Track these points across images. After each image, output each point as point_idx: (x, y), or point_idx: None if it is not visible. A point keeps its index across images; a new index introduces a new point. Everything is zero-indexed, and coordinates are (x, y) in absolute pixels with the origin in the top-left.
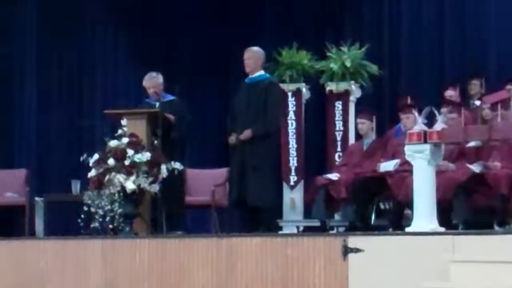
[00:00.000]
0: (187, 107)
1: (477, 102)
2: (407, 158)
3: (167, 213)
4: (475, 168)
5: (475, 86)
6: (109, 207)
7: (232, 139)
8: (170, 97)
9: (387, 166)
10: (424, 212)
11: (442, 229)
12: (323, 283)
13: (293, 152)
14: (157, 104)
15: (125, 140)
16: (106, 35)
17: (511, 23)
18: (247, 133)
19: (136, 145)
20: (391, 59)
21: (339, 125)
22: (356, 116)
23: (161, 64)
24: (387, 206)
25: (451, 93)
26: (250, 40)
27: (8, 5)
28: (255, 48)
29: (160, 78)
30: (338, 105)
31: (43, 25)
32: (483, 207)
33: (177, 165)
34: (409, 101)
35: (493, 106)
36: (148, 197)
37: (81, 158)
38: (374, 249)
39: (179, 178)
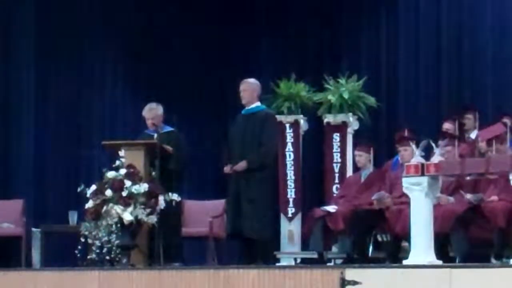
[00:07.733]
0: (185, 138)
1: (473, 135)
2: (405, 190)
3: (165, 245)
4: (472, 198)
5: (469, 120)
6: (106, 238)
7: (227, 168)
8: (169, 128)
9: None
10: (421, 245)
11: (439, 262)
12: None
13: (291, 184)
14: (155, 135)
15: (122, 171)
16: (104, 65)
17: (508, 56)
18: (241, 165)
19: (134, 176)
20: (388, 91)
21: (336, 157)
22: (354, 148)
23: (158, 95)
24: (385, 239)
25: (448, 126)
26: (248, 72)
27: (4, 36)
28: (251, 80)
29: (159, 110)
30: (336, 137)
31: (41, 54)
32: (480, 240)
33: (175, 196)
34: (406, 133)
35: (489, 142)
36: (146, 229)
37: (79, 189)
38: (371, 281)
39: (177, 210)
